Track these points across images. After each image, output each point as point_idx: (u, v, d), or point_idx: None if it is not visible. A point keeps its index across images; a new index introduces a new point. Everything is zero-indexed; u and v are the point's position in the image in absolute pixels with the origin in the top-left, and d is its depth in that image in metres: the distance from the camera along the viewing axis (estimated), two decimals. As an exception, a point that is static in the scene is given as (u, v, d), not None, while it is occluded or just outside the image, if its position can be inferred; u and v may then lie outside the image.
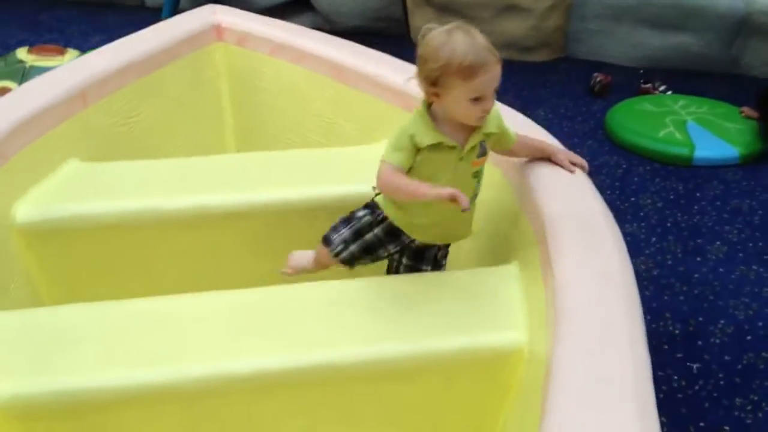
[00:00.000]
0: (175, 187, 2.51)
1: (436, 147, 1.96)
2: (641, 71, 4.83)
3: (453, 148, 1.97)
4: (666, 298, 2.98)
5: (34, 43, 4.89)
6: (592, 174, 3.74)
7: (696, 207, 3.58)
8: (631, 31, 5.02)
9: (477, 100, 1.88)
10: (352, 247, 2.14)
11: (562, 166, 2.23)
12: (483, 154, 2.05)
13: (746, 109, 4.16)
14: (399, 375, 1.95)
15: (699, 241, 3.32)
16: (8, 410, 1.76)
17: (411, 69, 2.86)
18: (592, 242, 1.96)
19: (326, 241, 2.18)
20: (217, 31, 3.24)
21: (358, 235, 2.13)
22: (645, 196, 3.66)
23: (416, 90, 2.79)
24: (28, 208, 2.37)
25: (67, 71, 2.80)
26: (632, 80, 4.76)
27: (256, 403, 1.92)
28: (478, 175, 2.08)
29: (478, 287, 2.13)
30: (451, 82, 1.87)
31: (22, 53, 4.17)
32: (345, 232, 2.15)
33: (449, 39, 1.86)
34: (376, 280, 2.16)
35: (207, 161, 2.73)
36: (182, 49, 3.14)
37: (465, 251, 2.42)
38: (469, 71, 1.84)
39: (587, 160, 3.78)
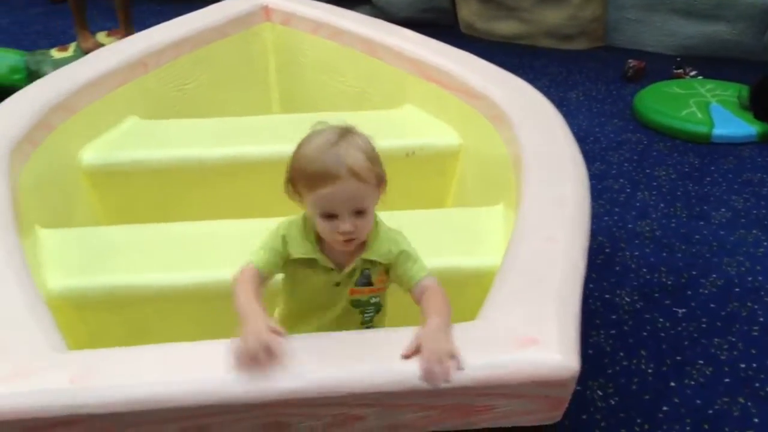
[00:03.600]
0: (216, 140, 2.91)
1: (309, 262, 1.72)
2: (678, 59, 5.03)
3: (329, 270, 1.73)
4: (664, 254, 3.22)
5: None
6: (615, 149, 4.04)
7: (708, 179, 3.80)
8: (666, 20, 5.24)
9: (329, 217, 1.62)
10: None
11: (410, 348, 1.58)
12: (365, 283, 1.76)
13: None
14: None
15: (705, 207, 3.55)
16: (65, 300, 2.14)
17: (433, 43, 3.23)
18: (555, 177, 2.26)
19: None
20: (266, 12, 3.63)
21: None
22: (661, 168, 3.90)
23: (432, 59, 3.14)
24: (92, 154, 2.80)
25: (132, 42, 3.26)
26: (667, 67, 4.97)
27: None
28: (361, 305, 1.78)
29: (467, 223, 2.47)
30: (298, 186, 1.66)
31: (101, 36, 4.72)
32: None
33: (311, 139, 1.66)
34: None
35: (248, 120, 3.12)
36: (234, 27, 3.53)
37: (462, 196, 2.78)
38: (311, 179, 1.60)
39: (611, 138, 4.08)
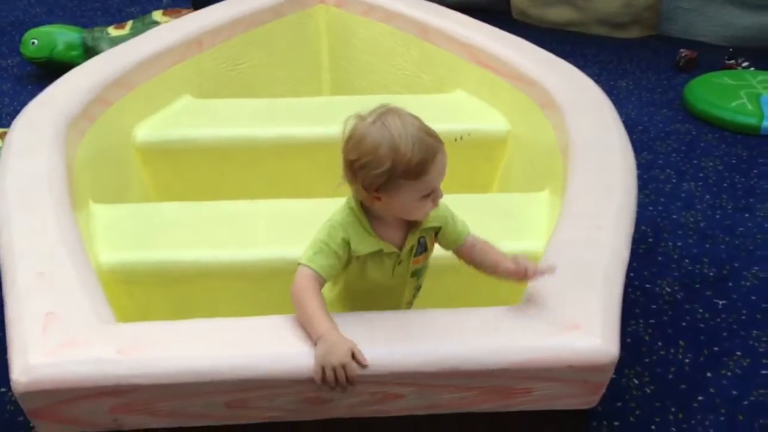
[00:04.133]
0: (267, 120, 2.97)
1: (375, 254, 1.74)
2: (730, 49, 4.96)
3: (393, 253, 1.75)
4: (707, 246, 3.21)
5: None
6: (663, 139, 4.01)
7: (756, 171, 3.77)
8: (720, 10, 5.16)
9: (427, 195, 1.65)
10: None
11: (509, 273, 1.76)
12: (423, 251, 1.81)
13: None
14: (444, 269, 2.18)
15: (751, 200, 3.53)
16: (114, 274, 2.20)
17: (486, 28, 3.24)
18: (603, 166, 2.29)
19: None
20: (320, -7, 3.69)
21: None
22: (708, 159, 3.87)
23: (484, 44, 3.14)
24: (146, 131, 2.89)
25: (188, 21, 3.33)
26: (719, 58, 4.90)
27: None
28: (418, 273, 1.85)
29: (512, 208, 2.50)
30: (397, 184, 1.60)
31: (157, 15, 4.78)
32: None
33: (384, 133, 1.59)
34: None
35: (299, 101, 3.18)
36: (289, 8, 3.59)
37: (508, 182, 2.81)
38: (418, 169, 1.59)
39: (660, 128, 4.05)
